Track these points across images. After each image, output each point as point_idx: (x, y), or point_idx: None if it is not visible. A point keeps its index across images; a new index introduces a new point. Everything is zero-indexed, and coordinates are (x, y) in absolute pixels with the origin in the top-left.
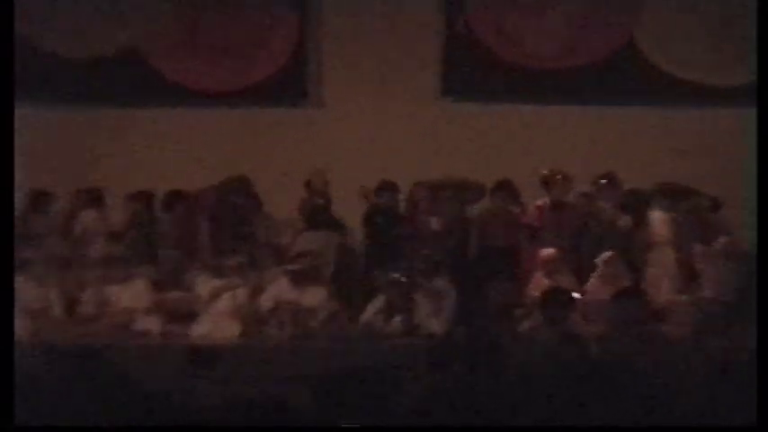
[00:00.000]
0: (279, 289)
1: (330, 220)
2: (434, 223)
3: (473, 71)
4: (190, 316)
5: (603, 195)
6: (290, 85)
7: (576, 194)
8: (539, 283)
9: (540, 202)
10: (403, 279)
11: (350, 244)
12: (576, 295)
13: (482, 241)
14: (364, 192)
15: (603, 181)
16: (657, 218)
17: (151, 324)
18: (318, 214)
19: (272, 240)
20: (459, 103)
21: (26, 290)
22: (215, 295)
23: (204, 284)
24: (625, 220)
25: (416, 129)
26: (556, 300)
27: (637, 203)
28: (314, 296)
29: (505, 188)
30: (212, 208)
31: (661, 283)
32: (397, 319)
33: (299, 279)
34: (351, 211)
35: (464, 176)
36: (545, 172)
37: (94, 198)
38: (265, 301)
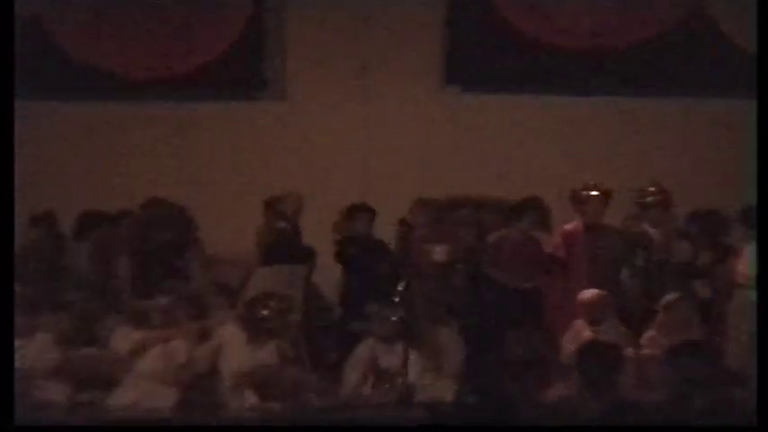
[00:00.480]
0: (228, 343)
1: (298, 252)
2: (438, 254)
3: (486, 53)
4: (108, 380)
5: (652, 217)
6: (242, 72)
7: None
8: (577, 335)
9: (568, 227)
10: (392, 328)
11: (320, 284)
12: (627, 351)
13: (501, 278)
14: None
15: (652, 198)
16: (739, 250)
17: (57, 392)
18: (282, 243)
19: (215, 279)
20: (468, 94)
21: None
22: (137, 351)
23: (125, 338)
24: (689, 252)
25: (413, 129)
26: (600, 357)
27: (712, 230)
28: (273, 353)
29: (532, 208)
30: (135, 238)
31: (740, 334)
32: (387, 381)
33: (257, 330)
34: (322, 241)
35: (476, 192)
36: (575, 186)
37: None
38: (208, 358)
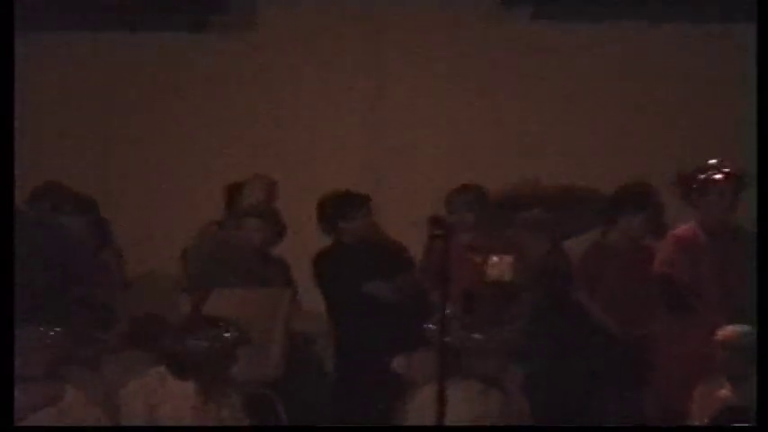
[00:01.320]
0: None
1: (279, 268)
2: (495, 270)
3: None
4: None
5: None
6: None
7: None
8: (709, 396)
9: (680, 231)
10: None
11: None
12: None
13: (601, 318)
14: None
15: None
16: None
17: None
18: (252, 257)
19: (135, 309)
20: (538, 21)
21: None
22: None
23: None
24: None
25: (451, 75)
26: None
27: None
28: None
29: (642, 200)
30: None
31: None
32: None
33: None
34: (306, 246)
35: (549, 177)
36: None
37: None
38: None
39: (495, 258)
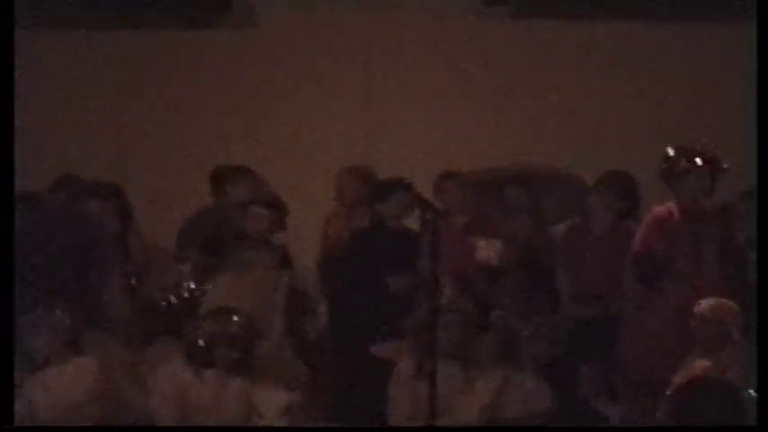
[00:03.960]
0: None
1: (273, 251)
2: (484, 252)
3: None
4: None
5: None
6: None
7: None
8: (686, 368)
9: (661, 211)
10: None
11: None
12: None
13: (583, 292)
14: None
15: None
16: None
17: None
18: (244, 240)
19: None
20: (520, 21)
21: None
22: None
23: None
24: None
25: (435, 71)
26: (712, 402)
27: None
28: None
29: (620, 184)
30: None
31: None
32: None
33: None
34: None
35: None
36: (670, 152)
37: None
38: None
39: (482, 242)
